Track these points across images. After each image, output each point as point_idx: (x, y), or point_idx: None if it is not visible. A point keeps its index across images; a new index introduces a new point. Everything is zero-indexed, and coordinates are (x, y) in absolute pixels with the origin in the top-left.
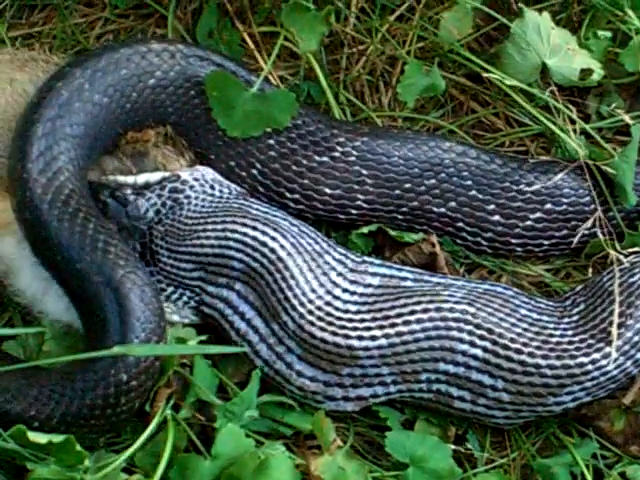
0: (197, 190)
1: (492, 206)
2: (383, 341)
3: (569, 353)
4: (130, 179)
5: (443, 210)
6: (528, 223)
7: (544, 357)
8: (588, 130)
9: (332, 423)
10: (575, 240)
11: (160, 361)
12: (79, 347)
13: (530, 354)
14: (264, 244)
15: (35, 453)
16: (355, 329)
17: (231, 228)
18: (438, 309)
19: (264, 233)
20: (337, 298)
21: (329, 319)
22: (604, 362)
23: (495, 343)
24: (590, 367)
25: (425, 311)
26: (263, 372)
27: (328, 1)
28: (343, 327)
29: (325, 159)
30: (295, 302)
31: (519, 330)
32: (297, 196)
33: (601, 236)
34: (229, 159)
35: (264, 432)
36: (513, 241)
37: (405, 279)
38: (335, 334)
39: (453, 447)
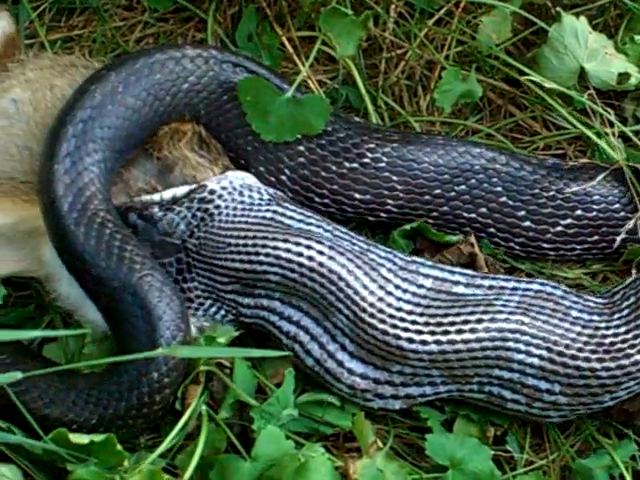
0: (226, 199)
1: (522, 212)
2: (434, 347)
3: (624, 353)
4: (156, 196)
5: (474, 216)
6: (559, 229)
7: (599, 360)
8: (627, 133)
9: (372, 425)
10: (614, 246)
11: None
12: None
13: (586, 359)
14: (299, 254)
15: (75, 454)
16: (406, 330)
17: (261, 244)
18: (492, 320)
19: (297, 244)
20: (390, 294)
21: (381, 316)
22: None
23: (550, 350)
24: None
25: (479, 321)
26: (313, 371)
27: (366, 6)
28: (395, 326)
29: (355, 165)
30: (348, 301)
31: (573, 335)
32: (327, 201)
33: None
34: (258, 165)
35: (304, 432)
36: (545, 246)
37: (457, 283)
38: (386, 333)
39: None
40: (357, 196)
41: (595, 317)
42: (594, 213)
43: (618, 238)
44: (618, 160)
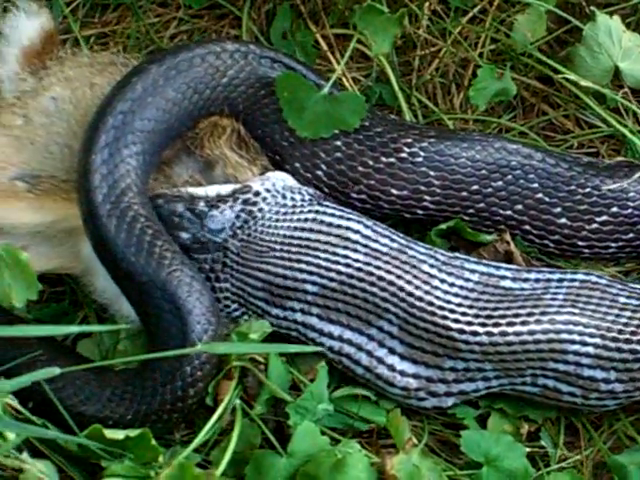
0: (270, 202)
1: (558, 209)
2: (484, 338)
3: None
4: (202, 191)
5: (509, 213)
6: (594, 226)
7: None
8: None
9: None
10: None
11: None
12: None
13: (639, 342)
14: (337, 262)
15: (110, 450)
16: (457, 321)
17: (304, 252)
18: (544, 313)
19: (335, 254)
20: (436, 288)
21: (431, 309)
22: None
23: (604, 337)
24: None
25: (530, 315)
26: (364, 379)
27: (401, 3)
28: (445, 317)
29: (392, 160)
30: (395, 299)
31: (624, 320)
32: (364, 197)
33: None
34: (294, 160)
35: (338, 428)
36: (580, 243)
37: (504, 278)
38: (436, 324)
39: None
40: (394, 192)
41: None
42: (629, 210)
43: None
44: None
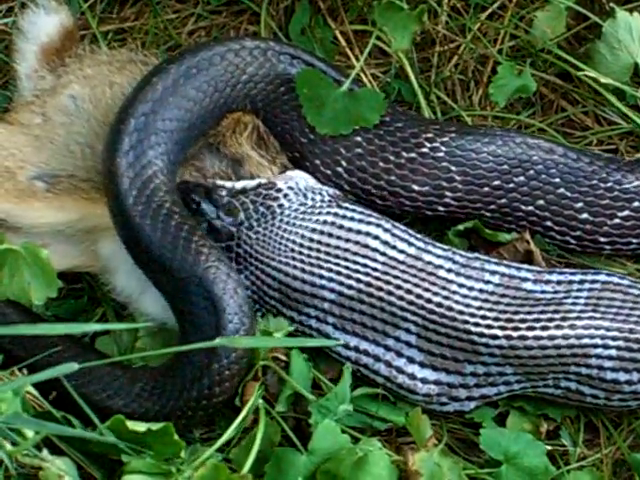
0: (291, 199)
1: (580, 204)
2: (504, 341)
3: None
4: (228, 184)
5: (531, 208)
6: (616, 221)
7: None
8: None
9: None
10: None
11: (250, 350)
12: (172, 344)
13: None
14: (356, 271)
15: (131, 445)
16: (477, 325)
17: (324, 258)
18: (564, 319)
19: (355, 262)
20: (455, 293)
21: (451, 314)
22: None
23: (627, 340)
24: None
25: (550, 320)
26: (385, 387)
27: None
28: (465, 322)
29: (413, 155)
30: (413, 307)
31: None
32: (384, 193)
33: None
34: (314, 157)
35: (357, 427)
36: (601, 239)
37: (525, 280)
38: (456, 329)
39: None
40: (415, 187)
41: None
42: None
43: None
44: None
